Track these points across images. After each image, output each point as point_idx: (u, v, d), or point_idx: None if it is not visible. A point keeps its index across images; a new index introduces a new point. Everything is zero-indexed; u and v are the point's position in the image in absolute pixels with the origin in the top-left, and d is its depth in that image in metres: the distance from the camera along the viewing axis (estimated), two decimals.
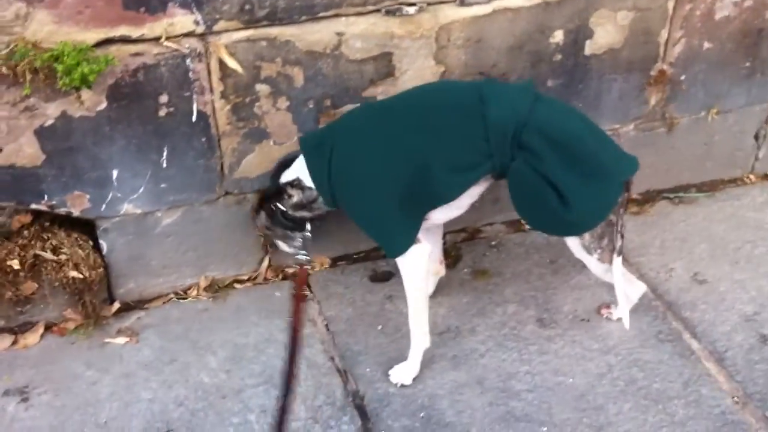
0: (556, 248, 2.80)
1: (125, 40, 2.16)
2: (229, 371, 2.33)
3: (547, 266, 2.73)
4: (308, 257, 2.37)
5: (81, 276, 2.38)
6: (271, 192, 2.35)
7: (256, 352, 2.39)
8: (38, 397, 2.24)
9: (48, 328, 2.44)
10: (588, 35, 2.62)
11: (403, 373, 2.31)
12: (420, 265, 2.21)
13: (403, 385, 2.30)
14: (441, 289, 2.61)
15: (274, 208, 2.32)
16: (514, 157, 2.09)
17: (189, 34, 2.21)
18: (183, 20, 2.19)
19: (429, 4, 2.38)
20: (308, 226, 2.36)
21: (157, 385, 2.29)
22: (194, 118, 2.32)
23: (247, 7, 2.22)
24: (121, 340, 2.41)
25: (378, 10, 2.35)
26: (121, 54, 2.16)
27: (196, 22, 2.20)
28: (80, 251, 2.39)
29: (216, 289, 2.59)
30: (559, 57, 2.62)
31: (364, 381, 2.31)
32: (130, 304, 2.54)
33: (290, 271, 2.66)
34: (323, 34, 2.33)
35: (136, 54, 2.18)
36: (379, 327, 2.47)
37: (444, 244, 2.80)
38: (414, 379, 2.30)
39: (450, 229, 2.85)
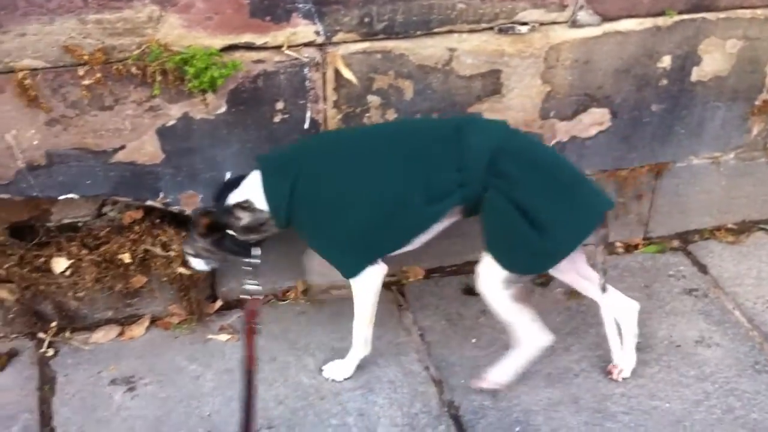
0: (650, 273, 2.80)
1: (248, 47, 2.23)
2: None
3: (641, 290, 2.72)
4: (259, 287, 2.27)
5: (188, 273, 2.46)
6: (220, 216, 2.22)
7: None
8: (144, 387, 2.32)
9: (153, 321, 2.53)
10: (696, 62, 2.62)
11: (337, 370, 2.35)
12: (374, 285, 2.22)
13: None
14: (535, 306, 2.61)
15: (223, 234, 2.24)
16: (487, 186, 2.05)
17: (309, 44, 2.28)
18: (305, 30, 2.26)
19: (542, 24, 2.42)
20: (257, 252, 2.28)
21: (257, 382, 2.34)
22: (306, 126, 2.39)
23: (366, 20, 2.28)
24: (223, 336, 2.48)
25: (491, 28, 2.39)
26: (244, 60, 2.24)
27: (317, 33, 2.27)
28: None
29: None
30: (664, 82, 2.63)
31: (459, 392, 2.33)
32: (231, 302, 2.60)
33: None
34: (436, 49, 2.38)
35: (258, 61, 2.26)
36: (473, 340, 2.49)
37: None
38: (509, 394, 2.32)
39: None
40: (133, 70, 2.17)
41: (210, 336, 2.49)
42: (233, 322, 2.54)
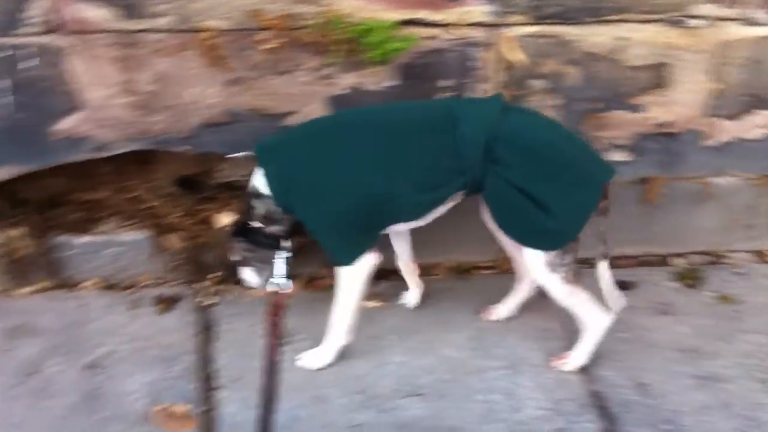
0: None
1: (421, 23, 2.29)
2: (473, 350, 2.39)
3: None
4: (288, 282, 2.21)
5: None
6: (244, 210, 2.24)
7: (497, 336, 2.44)
8: (299, 343, 2.39)
9: (308, 281, 2.63)
10: None
11: (314, 358, 2.31)
12: (363, 274, 2.19)
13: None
14: (682, 308, 2.57)
15: (248, 227, 2.24)
16: (486, 171, 2.03)
17: (480, 24, 2.32)
18: (478, 10, 2.30)
19: (719, 19, 2.37)
20: (286, 244, 2.24)
21: (405, 351, 2.38)
22: None
23: (538, 3, 2.31)
24: (372, 303, 2.52)
25: (662, 20, 2.37)
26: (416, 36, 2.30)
27: (489, 13, 2.30)
28: None
29: (459, 271, 2.67)
30: None
31: (607, 384, 2.29)
32: (380, 272, 2.60)
33: None
34: (605, 37, 2.37)
35: (429, 37, 2.31)
36: (620, 334, 2.43)
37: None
38: (656, 392, 2.26)
39: (692, 250, 2.80)
40: (312, 37, 2.26)
41: (365, 302, 2.51)
42: (382, 290, 2.57)
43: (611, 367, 2.33)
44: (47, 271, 2.53)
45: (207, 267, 2.59)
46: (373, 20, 2.23)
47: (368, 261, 2.19)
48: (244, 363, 2.29)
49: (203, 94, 2.31)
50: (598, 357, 2.36)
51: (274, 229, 2.23)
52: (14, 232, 2.46)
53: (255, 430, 1.98)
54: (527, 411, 2.21)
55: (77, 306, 2.54)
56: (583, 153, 2.12)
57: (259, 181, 2.17)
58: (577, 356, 2.33)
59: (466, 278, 2.67)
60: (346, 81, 2.35)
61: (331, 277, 2.58)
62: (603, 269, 2.21)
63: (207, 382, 2.25)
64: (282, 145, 2.16)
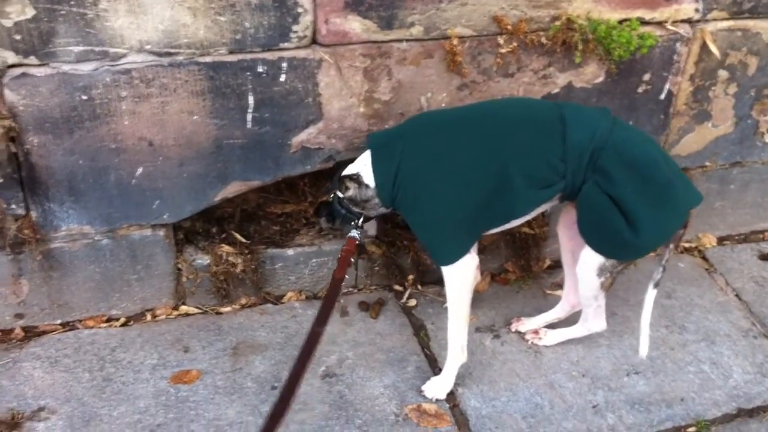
0: None
1: (640, 21, 2.37)
2: (667, 327, 2.59)
3: None
4: (359, 233, 2.24)
5: (531, 232, 2.62)
6: (333, 184, 2.27)
7: (683, 312, 2.65)
8: (507, 335, 2.50)
9: (493, 276, 2.71)
10: None
11: (437, 388, 2.28)
12: (469, 276, 2.18)
13: (438, 400, 2.28)
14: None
15: (332, 196, 2.26)
16: (586, 179, 2.08)
17: (686, 21, 2.43)
18: (687, 7, 2.40)
19: None
20: (359, 222, 2.26)
21: (608, 334, 2.53)
22: (662, 97, 2.54)
23: None
24: (559, 292, 2.59)
25: None
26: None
27: (697, 10, 2.41)
28: None
29: None
30: None
31: None
32: (557, 262, 2.72)
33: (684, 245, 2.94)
34: None
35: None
36: None
37: None
38: None
39: None
40: (543, 40, 2.28)
41: (548, 291, 2.68)
42: (560, 280, 2.62)
43: None
44: (252, 286, 2.49)
45: (403, 270, 2.62)
46: (629, 21, 2.32)
47: (472, 261, 2.17)
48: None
49: (433, 99, 2.29)
50: None
51: (350, 210, 2.25)
52: (226, 249, 2.39)
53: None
54: (736, 377, 2.43)
55: (289, 318, 2.52)
56: (676, 175, 2.13)
57: (363, 169, 2.17)
58: (553, 337, 2.47)
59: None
60: (562, 80, 2.40)
61: (515, 271, 2.72)
62: (650, 298, 2.28)
63: None
64: (395, 140, 2.13)
